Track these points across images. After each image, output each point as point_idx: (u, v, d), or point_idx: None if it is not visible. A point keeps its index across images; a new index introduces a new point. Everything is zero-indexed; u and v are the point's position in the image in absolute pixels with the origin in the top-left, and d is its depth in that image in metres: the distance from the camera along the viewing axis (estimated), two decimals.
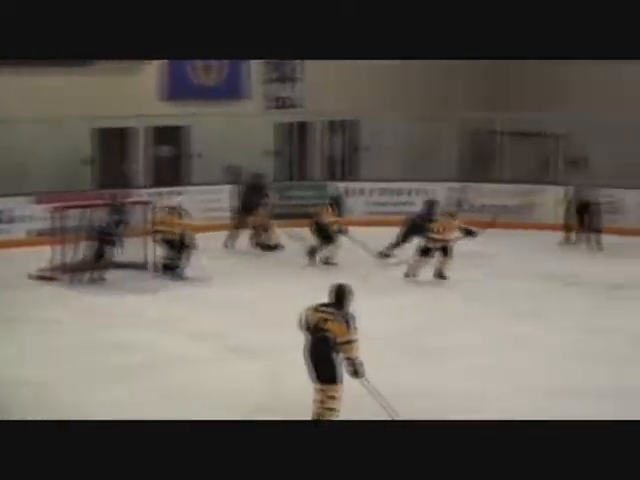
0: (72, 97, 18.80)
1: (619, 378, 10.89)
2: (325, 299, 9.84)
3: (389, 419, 8.89)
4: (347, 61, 17.24)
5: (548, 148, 21.38)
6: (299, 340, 11.78)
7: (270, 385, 10.71)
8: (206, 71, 20.90)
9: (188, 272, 15.72)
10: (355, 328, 9.08)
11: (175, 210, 16.19)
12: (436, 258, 15.90)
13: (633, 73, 19.78)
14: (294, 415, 9.24)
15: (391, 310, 13.69)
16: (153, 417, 8.92)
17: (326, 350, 9.08)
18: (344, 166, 22.28)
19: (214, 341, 12.39)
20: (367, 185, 21.04)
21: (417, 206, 19.72)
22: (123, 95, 19.38)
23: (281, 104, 21.95)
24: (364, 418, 8.71)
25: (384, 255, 17.01)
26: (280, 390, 10.53)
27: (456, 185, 20.74)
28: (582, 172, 19.33)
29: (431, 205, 17.37)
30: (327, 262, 16.78)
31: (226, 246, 17.78)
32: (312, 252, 16.79)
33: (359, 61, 17.63)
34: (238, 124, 20.00)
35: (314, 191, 20.27)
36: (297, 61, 21.57)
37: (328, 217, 16.94)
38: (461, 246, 16.36)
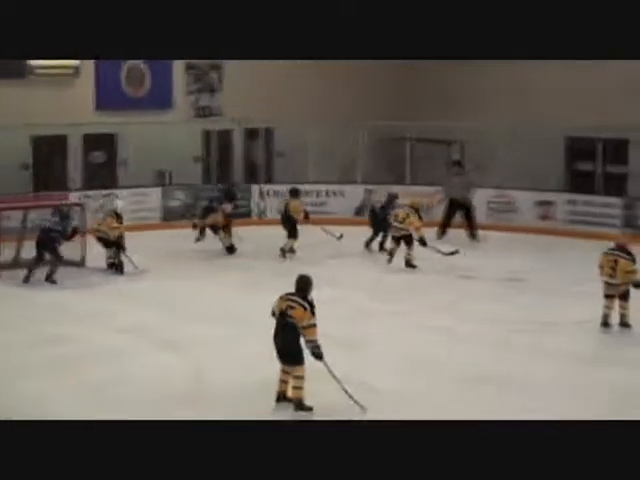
0: (13, 107, 19.45)
1: (516, 365, 11.53)
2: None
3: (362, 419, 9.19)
4: (264, 73, 18.64)
5: (453, 154, 22.37)
6: (224, 334, 12.61)
7: (195, 377, 11.07)
8: (135, 83, 21.69)
9: (125, 269, 16.29)
10: (314, 314, 9.65)
11: (113, 213, 16.84)
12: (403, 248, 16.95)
13: (535, 84, 21.48)
14: (219, 407, 9.84)
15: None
16: (80, 408, 9.57)
17: (291, 335, 9.69)
18: (263, 170, 23.13)
19: (143, 335, 12.68)
20: (284, 187, 21.22)
21: (331, 206, 21.04)
22: (60, 105, 20.05)
23: (202, 113, 22.81)
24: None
25: (369, 250, 18.35)
26: (205, 382, 10.91)
27: (369, 187, 21.70)
28: (463, 174, 20.51)
29: (392, 198, 18.62)
30: (284, 255, 17.64)
31: (198, 240, 18.19)
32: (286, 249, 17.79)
33: (275, 73, 19.03)
34: (167, 132, 20.83)
35: (238, 193, 20.79)
36: (217, 72, 22.53)
37: (296, 208, 17.97)
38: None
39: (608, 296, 13.17)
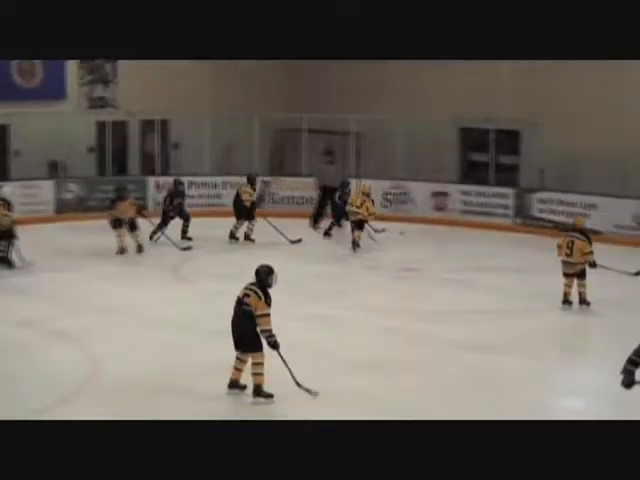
0: None
1: (410, 351, 11.83)
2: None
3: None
4: (158, 65, 18.55)
5: (346, 145, 22.64)
6: (116, 325, 12.73)
7: (89, 367, 11.14)
8: (27, 74, 21.36)
9: (15, 262, 15.92)
10: (269, 304, 9.86)
11: (3, 202, 16.46)
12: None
13: (425, 79, 21.63)
14: (111, 395, 10.04)
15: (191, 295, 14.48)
16: None
17: (247, 322, 9.89)
18: (159, 162, 22.80)
19: (38, 328, 12.57)
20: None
21: (228, 198, 20.65)
22: None
23: (97, 104, 22.65)
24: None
25: (328, 234, 19.14)
26: (98, 372, 10.96)
27: (265, 179, 21.72)
28: (334, 162, 21.02)
29: (345, 184, 19.35)
30: (247, 238, 18.39)
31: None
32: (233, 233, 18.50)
33: (169, 65, 18.98)
34: (61, 123, 20.57)
35: (133, 185, 20.71)
36: (111, 64, 22.37)
37: (248, 195, 18.52)
38: (263, 236, 18.06)
39: (567, 275, 13.96)
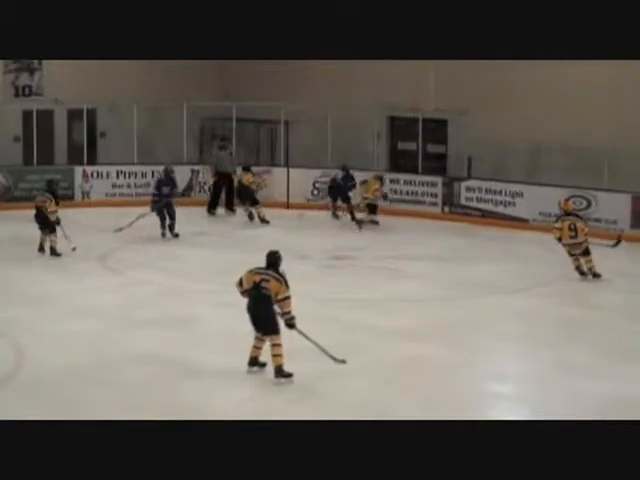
0: None
1: (341, 340, 11.52)
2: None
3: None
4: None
5: (274, 134, 22.89)
6: (43, 315, 12.66)
7: (15, 358, 11.00)
8: None
9: None
10: (288, 286, 10.20)
11: None
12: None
13: (354, 68, 21.20)
14: (38, 384, 10.02)
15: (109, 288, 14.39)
16: None
17: (266, 305, 10.23)
18: (86, 151, 22.43)
19: None
20: (105, 168, 21.64)
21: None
22: None
23: (22, 92, 22.37)
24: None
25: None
26: (25, 363, 10.85)
27: (195, 168, 21.94)
28: (227, 148, 21.34)
29: (346, 170, 19.93)
30: (263, 220, 19.43)
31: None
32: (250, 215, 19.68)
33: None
34: None
35: (60, 174, 20.65)
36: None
37: (249, 180, 19.63)
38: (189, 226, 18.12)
39: (573, 255, 14.95)
